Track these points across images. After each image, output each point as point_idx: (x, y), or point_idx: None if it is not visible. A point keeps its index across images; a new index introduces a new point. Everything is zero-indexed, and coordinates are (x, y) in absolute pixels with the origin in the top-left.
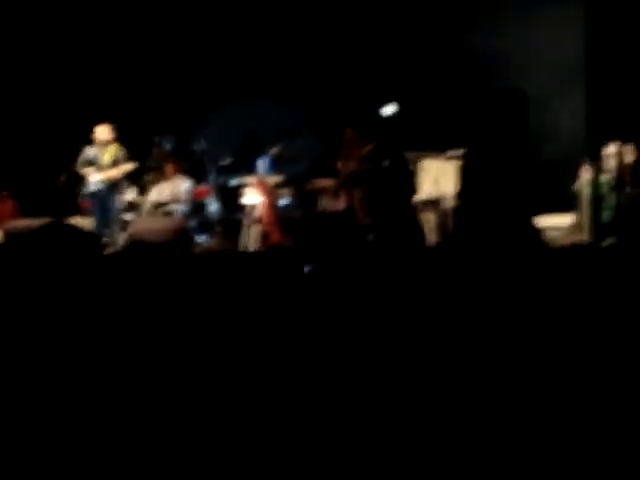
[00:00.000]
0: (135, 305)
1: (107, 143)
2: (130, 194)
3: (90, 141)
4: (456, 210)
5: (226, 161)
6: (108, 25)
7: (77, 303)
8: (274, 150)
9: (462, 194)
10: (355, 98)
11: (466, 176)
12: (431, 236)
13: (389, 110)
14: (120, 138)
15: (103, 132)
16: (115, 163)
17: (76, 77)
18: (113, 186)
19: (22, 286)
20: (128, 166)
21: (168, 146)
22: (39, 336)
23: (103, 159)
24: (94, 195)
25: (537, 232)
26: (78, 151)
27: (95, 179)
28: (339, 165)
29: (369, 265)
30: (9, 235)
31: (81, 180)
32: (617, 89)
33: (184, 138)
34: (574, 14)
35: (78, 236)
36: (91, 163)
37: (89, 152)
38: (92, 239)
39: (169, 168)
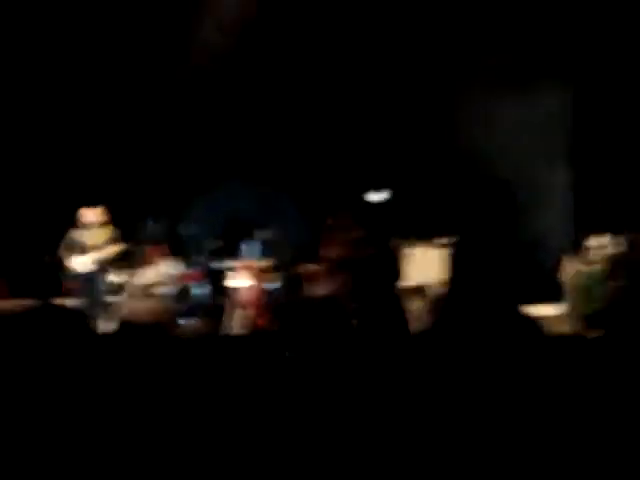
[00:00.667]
0: (120, 386)
1: (96, 225)
2: (115, 276)
3: (75, 225)
4: (443, 297)
5: (214, 244)
6: (98, 106)
7: (67, 382)
8: (261, 234)
9: (453, 281)
10: (342, 183)
11: (456, 263)
12: (416, 323)
13: (376, 196)
14: (113, 220)
15: (89, 215)
16: (106, 245)
17: (66, 159)
18: (101, 268)
19: (8, 367)
20: (115, 249)
21: (156, 229)
22: (29, 415)
23: (91, 241)
24: (79, 277)
25: (531, 321)
26: (64, 233)
27: (82, 260)
28: (324, 251)
29: (351, 350)
30: None
31: (64, 263)
32: (604, 178)
33: (171, 221)
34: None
35: (68, 317)
36: (75, 246)
37: (74, 235)
38: (82, 319)
39: (156, 251)
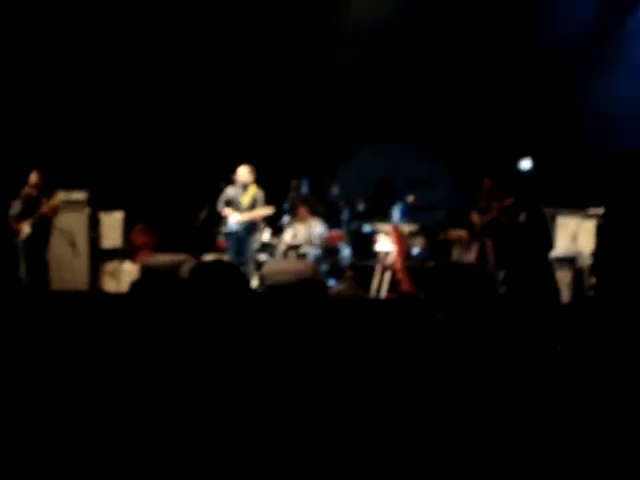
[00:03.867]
0: (273, 341)
1: (247, 184)
2: (265, 235)
3: (230, 181)
4: (592, 269)
5: (360, 207)
6: (250, 67)
7: (224, 338)
8: (410, 198)
9: (597, 253)
10: (494, 150)
11: (602, 235)
12: (565, 294)
13: (527, 164)
14: (258, 180)
15: (244, 173)
16: (253, 205)
17: (220, 120)
18: (250, 227)
19: (161, 320)
20: (267, 210)
21: (304, 189)
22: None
23: (242, 200)
24: (231, 235)
25: None
26: (218, 190)
27: (234, 220)
28: (474, 216)
29: (500, 319)
30: (147, 269)
31: (220, 219)
32: None
33: (320, 182)
34: None
35: (228, 273)
36: (230, 203)
37: (229, 192)
38: (239, 276)
39: (303, 211)
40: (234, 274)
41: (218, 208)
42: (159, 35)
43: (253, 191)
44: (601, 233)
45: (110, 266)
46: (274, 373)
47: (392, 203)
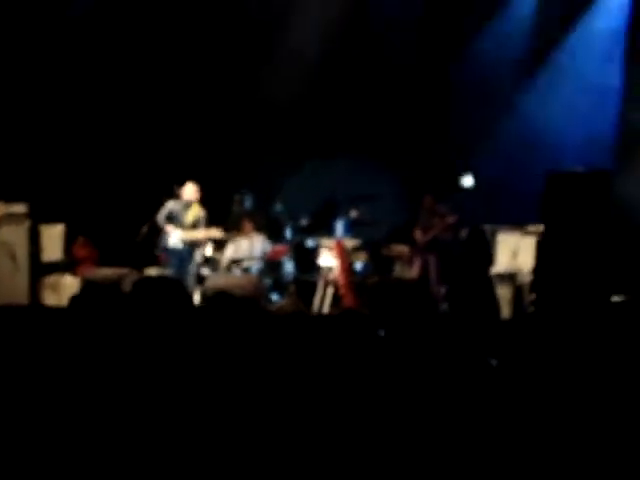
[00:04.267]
0: (211, 357)
1: (190, 202)
2: (208, 249)
3: (173, 195)
4: (532, 285)
5: (304, 222)
6: (194, 83)
7: (163, 350)
8: (353, 213)
9: (537, 270)
10: (436, 166)
11: (542, 252)
12: (505, 310)
13: (468, 180)
14: (201, 195)
15: (191, 191)
16: (195, 224)
17: (163, 133)
18: (193, 244)
19: (102, 334)
20: (213, 232)
21: (248, 204)
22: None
23: (185, 217)
24: (173, 250)
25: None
26: (160, 204)
27: (177, 237)
28: (417, 233)
29: (441, 335)
30: (88, 283)
31: (160, 233)
32: None
33: (263, 197)
34: None
35: (169, 287)
36: (171, 218)
37: (171, 206)
38: (181, 290)
39: (246, 225)
40: (177, 289)
41: (159, 222)
42: (101, 48)
43: (196, 210)
44: (541, 250)
45: (51, 280)
46: (212, 388)
47: (335, 218)
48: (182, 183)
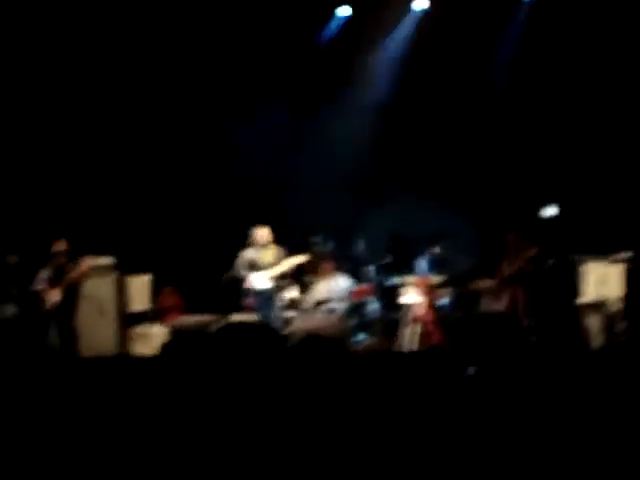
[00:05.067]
0: (302, 398)
1: (265, 245)
2: (292, 292)
3: (247, 244)
4: (623, 314)
5: (386, 260)
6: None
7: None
8: (436, 249)
9: (629, 297)
10: (514, 199)
11: (633, 279)
12: (595, 340)
13: (549, 211)
14: (277, 240)
15: (265, 234)
16: (277, 262)
17: (237, 181)
18: (278, 285)
19: (194, 380)
20: (299, 259)
21: (329, 245)
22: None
23: (264, 259)
24: (259, 293)
25: None
26: (239, 248)
27: (261, 278)
28: (504, 267)
29: (531, 368)
30: (176, 331)
31: (242, 281)
32: None
33: (342, 239)
34: None
35: (257, 332)
36: (252, 265)
37: (249, 254)
38: (272, 334)
39: (327, 267)
40: (265, 333)
41: (239, 274)
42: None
43: (274, 249)
44: (631, 277)
45: (139, 330)
46: (305, 429)
47: (416, 255)
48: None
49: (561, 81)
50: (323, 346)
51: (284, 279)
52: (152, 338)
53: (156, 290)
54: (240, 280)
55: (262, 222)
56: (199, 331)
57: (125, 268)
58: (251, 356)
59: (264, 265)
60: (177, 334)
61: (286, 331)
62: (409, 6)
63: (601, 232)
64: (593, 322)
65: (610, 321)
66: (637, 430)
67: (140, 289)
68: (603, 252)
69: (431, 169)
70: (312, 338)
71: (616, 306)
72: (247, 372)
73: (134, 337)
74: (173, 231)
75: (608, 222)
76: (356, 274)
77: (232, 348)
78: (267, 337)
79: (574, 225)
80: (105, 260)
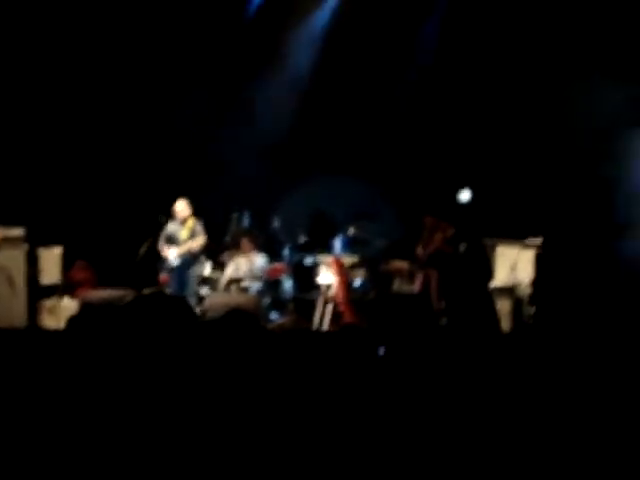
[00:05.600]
0: (213, 372)
1: (185, 218)
2: (206, 269)
3: (170, 216)
4: (531, 298)
5: (301, 239)
6: (188, 106)
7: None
8: (350, 230)
9: (536, 282)
10: (432, 182)
11: (541, 265)
12: (505, 323)
13: (466, 195)
14: (197, 213)
15: (182, 207)
16: (192, 237)
17: (158, 153)
18: (190, 261)
19: (101, 355)
20: (201, 240)
21: (245, 223)
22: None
23: (181, 234)
24: (172, 270)
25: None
26: (157, 224)
27: (172, 255)
28: (419, 250)
29: (441, 349)
30: (87, 305)
31: (159, 255)
32: None
33: (261, 215)
34: None
35: (173, 304)
36: (170, 239)
37: (170, 228)
38: (186, 307)
39: (245, 244)
40: (177, 305)
41: (159, 246)
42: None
43: (191, 224)
44: (540, 263)
45: (49, 302)
46: (215, 405)
47: (333, 235)
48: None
49: (477, 69)
50: (243, 321)
51: (197, 256)
52: (62, 311)
53: (68, 263)
54: (156, 254)
55: (183, 195)
56: (108, 304)
57: (36, 240)
58: (162, 329)
59: (180, 240)
60: (85, 307)
61: (200, 308)
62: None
63: (514, 217)
64: (503, 306)
65: (519, 305)
66: (542, 412)
67: (51, 262)
68: (516, 237)
69: (351, 148)
70: (233, 313)
71: (526, 291)
72: (158, 346)
73: (44, 310)
74: (87, 203)
75: (521, 207)
76: (272, 252)
77: (142, 321)
78: (179, 310)
79: (488, 209)
80: (15, 231)
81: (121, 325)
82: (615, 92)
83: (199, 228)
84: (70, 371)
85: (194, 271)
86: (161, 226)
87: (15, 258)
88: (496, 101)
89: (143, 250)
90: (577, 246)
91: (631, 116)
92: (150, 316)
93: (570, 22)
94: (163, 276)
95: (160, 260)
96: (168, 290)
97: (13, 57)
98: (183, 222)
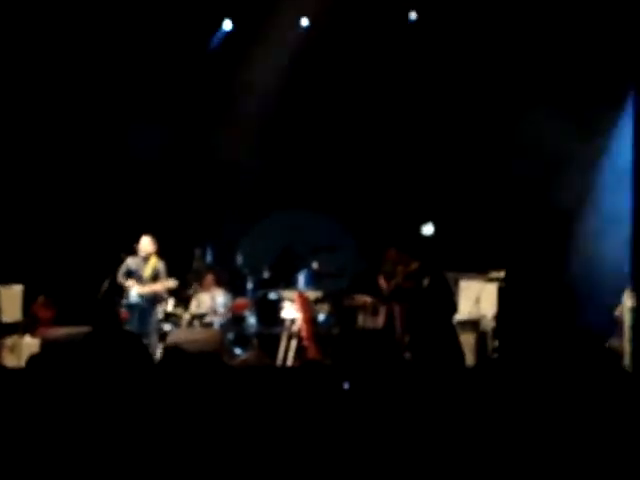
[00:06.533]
0: (176, 413)
1: (148, 255)
2: (169, 305)
3: (132, 251)
4: (495, 332)
5: (265, 275)
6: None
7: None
8: (314, 265)
9: (500, 316)
10: (395, 216)
11: (504, 298)
12: (469, 357)
13: (429, 229)
14: (161, 250)
15: (146, 244)
16: (155, 276)
17: (120, 190)
18: (153, 298)
19: (59, 396)
20: (170, 282)
21: (208, 258)
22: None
23: (144, 272)
24: (133, 306)
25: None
26: (119, 261)
27: (136, 292)
28: (381, 281)
29: (406, 384)
30: (47, 344)
31: (121, 290)
32: None
33: (223, 251)
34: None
35: (127, 342)
36: (131, 274)
37: (130, 263)
38: (139, 345)
39: (208, 280)
40: (132, 342)
41: (119, 280)
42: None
43: (154, 262)
44: (503, 296)
45: (9, 341)
46: (176, 444)
47: (296, 270)
48: (139, 238)
49: (437, 100)
50: (191, 360)
51: (161, 295)
52: (23, 349)
53: (28, 301)
54: (118, 290)
55: (146, 230)
56: (67, 342)
57: None
58: (114, 367)
59: (143, 277)
60: (47, 346)
61: (163, 344)
62: (293, 22)
63: (477, 251)
64: (467, 339)
65: (484, 339)
66: (506, 446)
67: (11, 300)
68: (479, 270)
69: (314, 182)
70: (178, 351)
71: (490, 324)
72: (110, 384)
73: (5, 348)
74: (46, 240)
75: (483, 241)
76: (235, 288)
77: (94, 358)
78: (131, 347)
79: (451, 243)
80: None
81: (75, 364)
82: (565, 123)
83: (162, 269)
84: (30, 410)
85: (157, 308)
86: (121, 262)
87: None
88: (457, 135)
89: (105, 286)
90: (538, 278)
91: (583, 148)
92: (102, 353)
93: (517, 54)
94: (123, 312)
95: (120, 296)
96: (128, 327)
97: None
98: (146, 259)
